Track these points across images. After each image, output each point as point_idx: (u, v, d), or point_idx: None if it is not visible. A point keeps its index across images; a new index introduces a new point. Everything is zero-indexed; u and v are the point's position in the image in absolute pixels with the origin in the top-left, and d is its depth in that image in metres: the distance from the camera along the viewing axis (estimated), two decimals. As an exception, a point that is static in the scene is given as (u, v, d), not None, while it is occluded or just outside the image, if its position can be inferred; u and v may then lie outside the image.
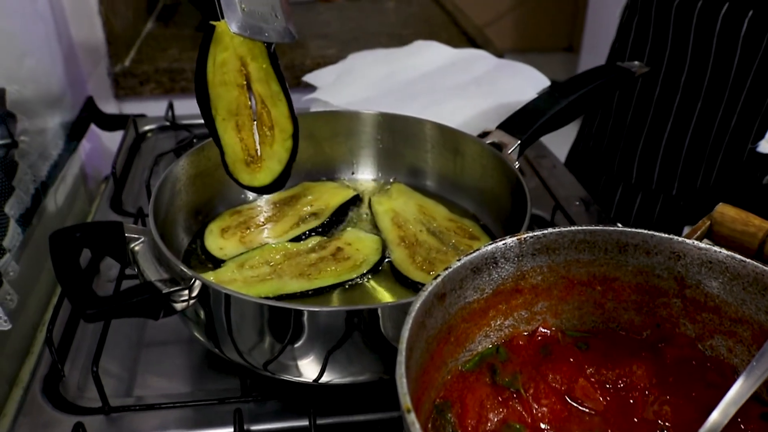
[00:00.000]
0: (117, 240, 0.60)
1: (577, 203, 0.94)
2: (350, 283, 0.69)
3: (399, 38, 1.48)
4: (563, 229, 0.56)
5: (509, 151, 0.76)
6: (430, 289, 0.49)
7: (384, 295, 0.69)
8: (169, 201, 0.70)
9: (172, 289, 0.55)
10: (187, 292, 0.56)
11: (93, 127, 1.11)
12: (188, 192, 0.74)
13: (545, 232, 0.55)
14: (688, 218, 1.07)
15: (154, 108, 1.16)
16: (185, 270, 0.55)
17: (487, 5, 4.05)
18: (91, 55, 1.23)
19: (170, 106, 1.09)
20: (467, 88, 1.01)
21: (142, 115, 1.13)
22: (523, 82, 1.04)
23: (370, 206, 0.81)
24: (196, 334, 0.60)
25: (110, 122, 1.09)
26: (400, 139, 0.84)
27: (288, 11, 0.65)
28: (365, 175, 0.87)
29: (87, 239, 0.59)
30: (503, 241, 0.55)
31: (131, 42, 1.43)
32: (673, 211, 1.08)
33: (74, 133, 1.02)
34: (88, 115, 1.06)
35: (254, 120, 0.67)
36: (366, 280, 0.70)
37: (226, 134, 0.67)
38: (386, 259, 0.73)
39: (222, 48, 0.64)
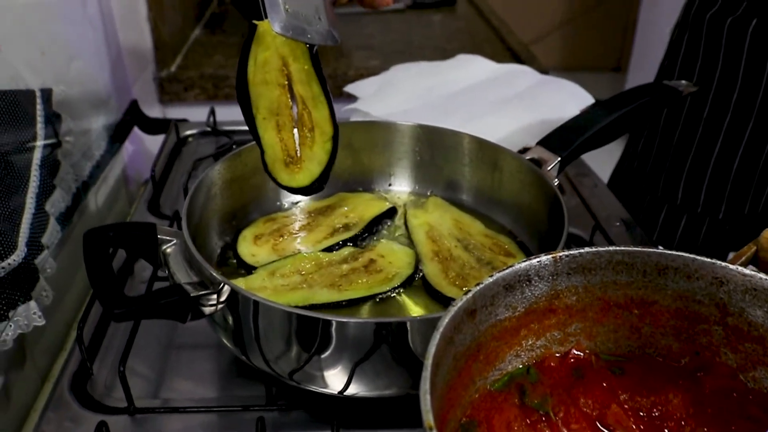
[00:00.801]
0: (150, 241, 0.61)
1: (618, 224, 0.91)
2: (381, 296, 0.68)
3: (443, 52, 1.48)
4: (600, 249, 0.54)
5: (549, 168, 0.74)
6: (460, 304, 0.48)
7: (415, 310, 0.67)
8: (204, 205, 0.71)
9: (200, 293, 0.55)
10: (215, 296, 0.56)
11: (136, 130, 1.13)
12: (223, 196, 0.74)
13: (581, 251, 0.54)
14: (734, 244, 1.03)
15: (197, 114, 1.18)
16: (215, 274, 0.55)
17: (535, 22, 4.03)
18: (138, 59, 1.25)
19: (212, 112, 1.10)
20: (509, 103, 1.00)
21: (185, 120, 1.15)
22: (567, 99, 1.02)
23: (405, 219, 0.81)
24: (224, 339, 0.60)
25: (153, 126, 1.11)
26: (438, 152, 0.83)
27: (332, 15, 0.65)
28: (402, 187, 0.87)
29: (120, 239, 0.60)
30: (537, 259, 0.53)
31: (178, 48, 1.45)
32: (718, 236, 1.04)
33: (117, 135, 1.04)
34: (132, 118, 1.08)
35: (295, 121, 0.67)
36: (397, 293, 0.69)
37: (266, 133, 0.67)
38: (419, 274, 0.71)
39: (264, 47, 0.64)
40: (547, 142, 0.77)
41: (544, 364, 0.56)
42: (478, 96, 1.02)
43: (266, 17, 0.61)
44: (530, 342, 0.55)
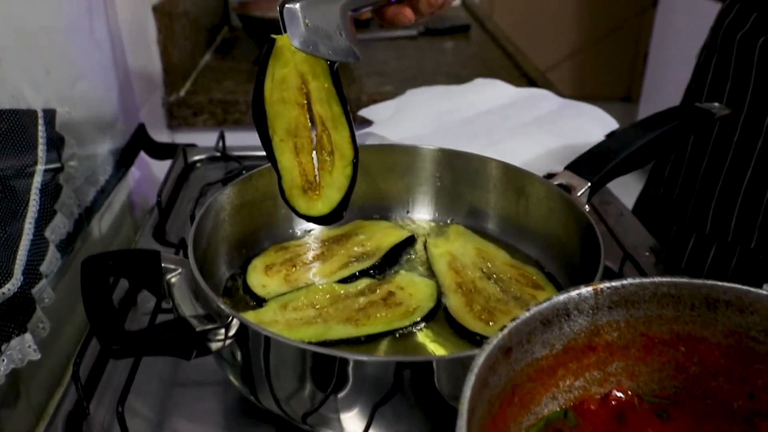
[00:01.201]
0: (153, 270, 0.56)
1: (647, 254, 0.87)
2: (401, 331, 0.63)
3: (457, 78, 1.44)
4: (644, 280, 0.50)
5: (578, 194, 0.70)
6: (495, 342, 0.44)
7: (437, 346, 0.63)
8: (212, 231, 0.66)
9: (207, 327, 0.50)
10: (223, 331, 0.51)
11: (143, 155, 1.10)
12: (233, 223, 0.70)
13: (624, 282, 0.49)
14: None
15: (206, 139, 1.14)
16: (223, 307, 0.51)
17: (546, 52, 4.01)
18: (147, 83, 1.22)
19: (221, 137, 1.07)
20: (529, 127, 0.96)
21: (193, 145, 1.11)
22: (590, 124, 0.98)
23: (425, 248, 0.76)
24: (231, 377, 0.55)
25: (160, 151, 1.07)
26: (460, 178, 0.79)
27: (353, 32, 0.61)
28: (421, 215, 0.82)
29: (121, 267, 0.55)
30: (577, 291, 0.49)
31: (188, 73, 1.43)
32: (751, 266, 0.99)
33: (123, 159, 1.00)
34: (139, 142, 1.04)
35: (314, 143, 0.63)
36: (419, 328, 0.64)
37: (284, 157, 0.63)
38: (441, 307, 0.67)
39: (282, 64, 0.60)
40: (575, 166, 0.73)
41: (583, 406, 0.51)
42: (497, 120, 0.99)
43: (285, 31, 0.58)
44: (568, 383, 0.51)
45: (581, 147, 0.92)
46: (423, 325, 0.65)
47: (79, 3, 0.88)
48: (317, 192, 0.64)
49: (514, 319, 0.46)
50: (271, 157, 0.63)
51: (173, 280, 0.57)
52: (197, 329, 0.49)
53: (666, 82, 3.12)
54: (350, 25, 0.61)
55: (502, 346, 0.45)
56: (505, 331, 0.45)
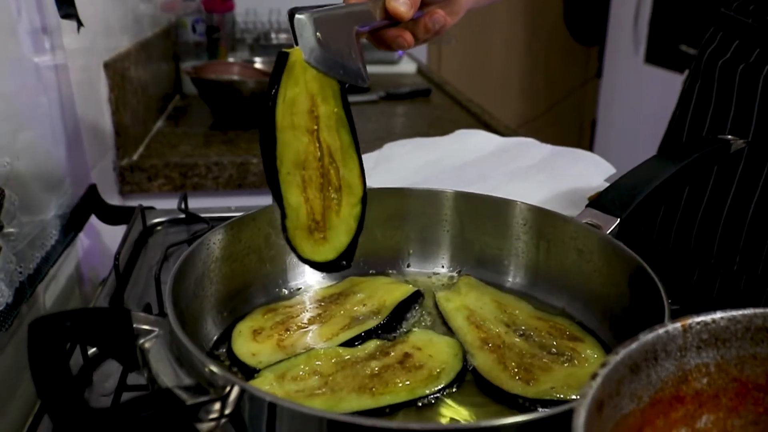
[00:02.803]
0: (122, 333, 0.44)
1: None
2: (423, 401, 0.53)
3: (427, 137, 1.38)
4: (737, 312, 0.42)
5: (607, 232, 0.62)
6: (591, 393, 0.34)
7: (472, 414, 0.52)
8: (191, 288, 0.55)
9: (199, 400, 0.38)
10: (219, 404, 0.40)
11: (93, 222, 0.97)
12: (213, 281, 0.59)
13: (714, 316, 0.42)
14: None
15: (162, 205, 1.03)
16: (217, 371, 0.39)
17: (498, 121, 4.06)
18: (97, 143, 1.11)
19: (184, 198, 0.95)
20: (527, 172, 0.89)
21: (151, 208, 0.99)
22: (588, 169, 0.92)
23: (435, 305, 0.66)
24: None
25: (114, 214, 0.95)
26: (469, 222, 0.70)
27: (361, 54, 0.54)
28: (423, 268, 0.72)
29: (80, 331, 0.43)
30: (664, 329, 0.41)
31: (140, 137, 1.32)
32: (758, 294, 0.93)
33: (72, 223, 0.88)
34: (89, 204, 0.92)
35: (322, 176, 0.55)
36: (442, 395, 0.53)
37: (289, 192, 0.54)
38: (469, 368, 0.56)
39: (293, 81, 0.53)
40: (598, 204, 0.65)
41: (673, 473, 0.41)
42: (491, 166, 0.91)
43: (296, 43, 0.51)
44: (654, 443, 0.41)
45: (586, 191, 0.86)
46: (446, 391, 0.54)
47: (23, 42, 0.78)
48: (323, 234, 0.56)
49: (604, 365, 0.36)
50: (276, 192, 0.54)
51: (148, 345, 0.45)
52: (187, 403, 0.37)
53: (613, 147, 3.18)
54: (358, 45, 0.55)
55: (597, 398, 0.35)
56: (598, 380, 0.35)
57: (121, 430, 0.37)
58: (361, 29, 0.56)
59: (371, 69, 0.66)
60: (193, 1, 1.80)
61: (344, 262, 0.56)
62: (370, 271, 0.71)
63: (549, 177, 0.89)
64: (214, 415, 0.40)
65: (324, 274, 0.68)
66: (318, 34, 0.51)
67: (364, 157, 0.99)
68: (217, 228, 0.60)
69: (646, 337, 0.39)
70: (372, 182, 0.87)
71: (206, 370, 0.40)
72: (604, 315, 0.61)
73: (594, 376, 0.35)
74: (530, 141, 1.03)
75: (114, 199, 1.18)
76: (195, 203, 1.02)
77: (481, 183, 0.86)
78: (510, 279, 0.69)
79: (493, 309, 0.64)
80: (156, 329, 0.46)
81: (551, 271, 0.66)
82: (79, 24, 0.87)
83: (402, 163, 0.94)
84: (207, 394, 0.40)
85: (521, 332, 0.60)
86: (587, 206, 0.66)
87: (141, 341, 0.45)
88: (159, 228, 0.96)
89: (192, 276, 0.56)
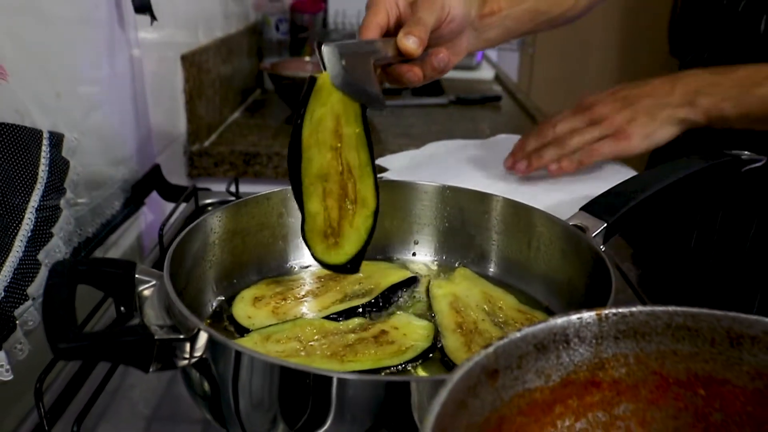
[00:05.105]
0: (125, 281, 0.53)
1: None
2: (389, 371, 0.58)
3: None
4: (657, 308, 0.44)
5: (593, 235, 0.65)
6: (477, 359, 0.39)
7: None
8: (199, 252, 0.63)
9: (167, 337, 0.46)
10: (188, 344, 0.47)
11: (159, 201, 1.08)
12: (224, 249, 0.67)
13: (632, 309, 0.44)
14: None
15: (222, 188, 1.13)
16: (188, 315, 0.47)
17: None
18: (170, 128, 1.23)
19: (235, 181, 1.05)
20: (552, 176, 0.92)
21: (207, 189, 1.10)
22: (611, 175, 0.94)
23: (427, 292, 0.71)
24: (196, 401, 0.51)
25: (174, 192, 1.05)
26: (468, 218, 0.75)
27: (379, 84, 0.62)
28: (426, 257, 0.78)
29: (92, 275, 0.52)
30: (578, 315, 0.44)
31: (214, 126, 1.44)
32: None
33: (134, 197, 0.99)
34: (151, 181, 1.03)
35: (342, 188, 0.62)
36: (411, 368, 0.59)
37: (310, 201, 0.62)
38: (437, 347, 0.61)
39: (321, 103, 0.60)
40: (590, 207, 0.68)
41: (585, 453, 0.45)
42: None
43: (324, 69, 0.58)
44: (567, 423, 0.44)
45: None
46: (416, 367, 0.59)
47: (98, 33, 0.89)
48: (336, 240, 0.63)
49: (502, 338, 0.41)
50: (299, 200, 0.62)
51: (146, 292, 0.53)
52: (156, 336, 0.45)
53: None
54: (376, 74, 0.63)
55: (486, 366, 0.39)
56: (490, 349, 0.40)
57: (104, 352, 0.45)
58: (377, 62, 0.64)
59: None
60: (280, 2, 1.91)
61: (350, 267, 0.63)
62: (378, 257, 0.77)
63: (572, 180, 0.92)
64: (185, 352, 0.47)
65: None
66: (343, 62, 0.58)
67: (403, 153, 1.06)
68: (230, 204, 0.67)
69: (556, 321, 0.43)
70: (403, 177, 0.94)
71: (180, 313, 0.48)
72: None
73: (487, 346, 0.40)
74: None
75: (183, 181, 1.30)
76: (252, 188, 1.11)
77: (504, 184, 0.90)
78: (501, 271, 0.73)
79: (479, 299, 0.68)
80: (154, 280, 0.54)
81: (539, 266, 0.70)
82: (153, 18, 0.98)
83: (434, 163, 0.99)
84: (179, 334, 0.47)
85: (498, 321, 0.65)
86: (579, 209, 0.69)
87: (140, 288, 0.53)
88: (209, 208, 1.06)
89: (202, 242, 0.64)
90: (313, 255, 0.64)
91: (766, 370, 0.42)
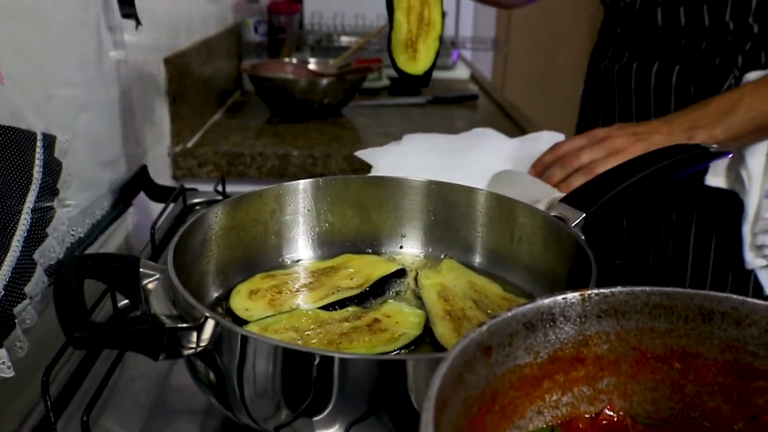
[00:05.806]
0: (130, 275, 0.55)
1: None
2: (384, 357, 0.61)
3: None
4: (635, 288, 0.48)
5: (572, 225, 0.69)
6: (473, 336, 0.42)
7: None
8: (199, 247, 0.66)
9: (177, 325, 0.48)
10: (195, 333, 0.49)
11: (145, 202, 1.10)
12: (220, 245, 0.69)
13: (613, 290, 0.48)
14: None
15: (206, 189, 1.15)
16: (195, 304, 0.49)
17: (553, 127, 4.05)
18: (155, 129, 1.24)
19: (222, 181, 1.07)
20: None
21: (194, 189, 1.11)
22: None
23: (416, 282, 0.74)
24: (202, 388, 0.53)
25: (161, 193, 1.07)
26: (453, 211, 0.78)
27: None
28: (414, 250, 0.80)
29: (98, 270, 0.54)
30: (563, 296, 0.47)
31: (197, 127, 1.45)
32: None
33: (122, 197, 1.00)
34: (139, 182, 1.05)
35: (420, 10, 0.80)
36: (398, 353, 0.62)
37: (398, 12, 0.79)
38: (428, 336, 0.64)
39: None
40: (570, 198, 0.72)
41: (572, 425, 0.48)
42: (505, 162, 0.98)
43: None
44: (555, 397, 0.48)
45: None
46: (403, 351, 0.62)
47: (87, 36, 0.91)
48: (414, 55, 0.80)
49: (494, 317, 0.44)
50: (390, 12, 0.79)
51: (150, 285, 0.55)
52: (166, 325, 0.47)
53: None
54: None
55: (480, 342, 0.42)
56: (484, 327, 0.43)
57: (115, 340, 0.47)
58: None
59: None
60: (257, 3, 1.93)
61: (423, 79, 0.81)
62: (367, 250, 0.80)
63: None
64: (192, 340, 0.50)
65: (323, 247, 0.78)
66: None
67: (383, 147, 1.08)
68: (226, 200, 0.70)
69: (543, 301, 0.46)
70: (383, 170, 0.96)
71: (187, 302, 0.50)
72: (560, 298, 0.67)
73: (481, 324, 0.43)
74: (551, 135, 1.08)
75: (167, 182, 1.31)
76: (237, 188, 1.13)
77: (491, 175, 0.94)
78: (485, 261, 0.77)
79: (465, 288, 0.71)
80: (158, 274, 0.56)
81: (522, 257, 0.73)
82: (138, 23, 0.99)
83: (419, 156, 1.02)
84: (187, 323, 0.50)
85: (484, 309, 0.68)
86: (560, 201, 0.73)
87: (144, 282, 0.55)
88: (198, 207, 1.08)
89: (201, 236, 0.66)
90: (395, 66, 0.80)
91: (735, 343, 0.46)
